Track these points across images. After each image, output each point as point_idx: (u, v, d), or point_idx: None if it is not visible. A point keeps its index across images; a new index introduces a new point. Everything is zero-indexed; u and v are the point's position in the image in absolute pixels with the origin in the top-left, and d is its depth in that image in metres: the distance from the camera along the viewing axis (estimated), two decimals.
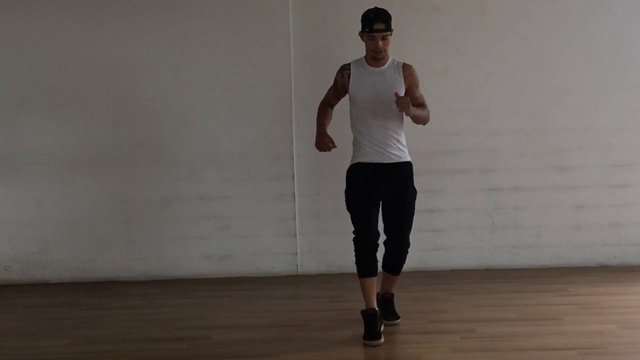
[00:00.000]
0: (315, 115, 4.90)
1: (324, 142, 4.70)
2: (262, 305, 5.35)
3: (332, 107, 4.89)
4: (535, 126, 6.11)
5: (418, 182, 6.00)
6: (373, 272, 4.64)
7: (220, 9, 6.05)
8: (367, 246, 4.64)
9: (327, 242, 6.15)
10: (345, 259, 6.06)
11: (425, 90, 6.00)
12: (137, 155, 6.10)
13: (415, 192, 4.75)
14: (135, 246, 6.15)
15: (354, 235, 4.69)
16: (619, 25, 6.06)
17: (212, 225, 6.14)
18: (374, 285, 4.65)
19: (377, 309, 4.63)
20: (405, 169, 4.71)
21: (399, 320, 4.84)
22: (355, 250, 4.69)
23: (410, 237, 6.10)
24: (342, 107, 5.29)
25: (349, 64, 4.74)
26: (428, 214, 6.13)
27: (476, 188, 6.14)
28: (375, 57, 4.63)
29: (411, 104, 4.63)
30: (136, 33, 6.04)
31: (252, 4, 6.07)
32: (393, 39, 5.98)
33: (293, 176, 6.11)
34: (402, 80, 4.67)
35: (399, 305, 5.01)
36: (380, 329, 4.54)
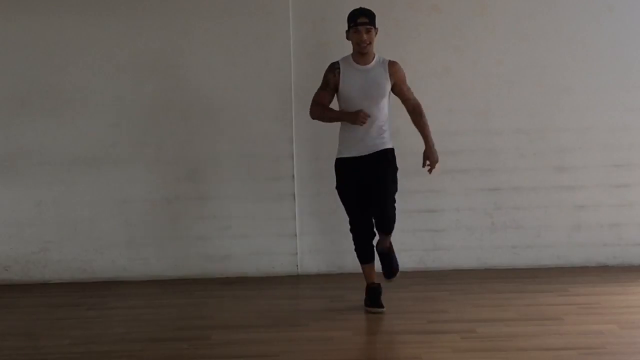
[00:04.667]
0: (311, 116, 5.15)
1: (360, 114, 4.86)
2: (262, 305, 5.35)
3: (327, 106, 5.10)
4: (535, 126, 6.11)
5: (418, 182, 6.05)
6: (371, 259, 5.15)
7: (220, 9, 6.05)
8: (363, 235, 5.07)
9: (327, 242, 6.15)
10: (345, 259, 6.07)
11: (425, 90, 6.04)
12: (137, 155, 6.10)
13: (395, 169, 5.08)
14: (135, 246, 6.15)
15: (350, 226, 5.11)
16: (619, 25, 6.06)
17: (212, 225, 6.14)
18: (374, 268, 5.16)
19: (378, 282, 5.12)
20: (384, 154, 5.01)
21: (398, 274, 5.31)
22: (353, 239, 5.12)
23: (410, 236, 6.16)
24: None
25: (338, 62, 5.03)
26: (428, 214, 6.14)
27: (476, 188, 6.14)
28: (360, 51, 4.95)
29: (401, 97, 5.09)
30: (136, 33, 6.04)
31: (252, 4, 6.07)
32: (393, 39, 6.03)
33: (293, 176, 6.11)
34: (388, 77, 4.98)
35: (397, 306, 5.03)
36: (381, 300, 5.04)
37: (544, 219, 6.16)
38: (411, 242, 6.14)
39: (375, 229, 5.13)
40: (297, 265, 6.18)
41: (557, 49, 6.08)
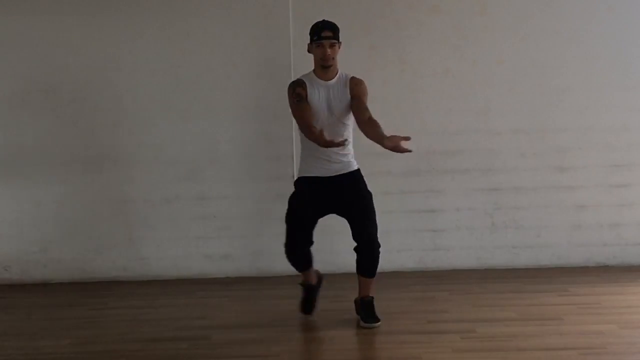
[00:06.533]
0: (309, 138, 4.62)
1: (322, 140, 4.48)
2: (262, 305, 5.35)
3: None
4: (535, 126, 6.11)
5: (418, 182, 6.07)
6: (308, 266, 4.99)
7: (220, 9, 6.05)
8: (296, 254, 4.90)
9: (327, 242, 6.12)
10: (345, 259, 6.04)
11: (425, 90, 6.08)
12: (137, 155, 6.10)
13: (370, 194, 4.80)
14: (135, 246, 6.15)
15: (286, 243, 4.88)
16: (619, 25, 6.06)
17: (212, 225, 6.14)
18: (312, 271, 5.04)
19: (314, 284, 5.04)
20: (352, 176, 4.79)
21: (379, 323, 4.74)
22: (286, 254, 4.91)
23: (410, 236, 6.15)
24: None
25: (301, 79, 4.79)
26: (428, 214, 6.14)
27: (476, 188, 6.14)
28: (323, 64, 4.73)
29: (360, 109, 4.65)
30: (136, 33, 6.04)
31: (252, 4, 6.07)
32: (393, 39, 6.03)
33: (293, 176, 6.10)
34: (348, 92, 4.72)
35: (397, 306, 5.03)
36: (315, 304, 5.01)
37: (544, 219, 6.16)
38: (411, 242, 6.14)
39: (356, 270, 4.87)
40: None
41: (557, 49, 6.08)
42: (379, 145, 6.02)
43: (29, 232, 6.13)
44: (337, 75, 4.78)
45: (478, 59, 6.08)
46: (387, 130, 6.10)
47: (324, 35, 4.71)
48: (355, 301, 4.94)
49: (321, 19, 4.83)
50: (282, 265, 6.15)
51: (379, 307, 4.88)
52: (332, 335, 4.61)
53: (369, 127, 4.54)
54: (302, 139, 4.80)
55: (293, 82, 4.81)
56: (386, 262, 6.08)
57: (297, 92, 4.71)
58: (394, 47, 5.99)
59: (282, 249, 6.11)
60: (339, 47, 4.79)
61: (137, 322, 5.02)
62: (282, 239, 6.11)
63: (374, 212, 4.79)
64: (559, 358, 4.13)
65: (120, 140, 6.09)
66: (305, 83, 4.76)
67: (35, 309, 5.45)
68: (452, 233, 6.17)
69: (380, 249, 4.78)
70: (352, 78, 4.79)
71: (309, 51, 4.84)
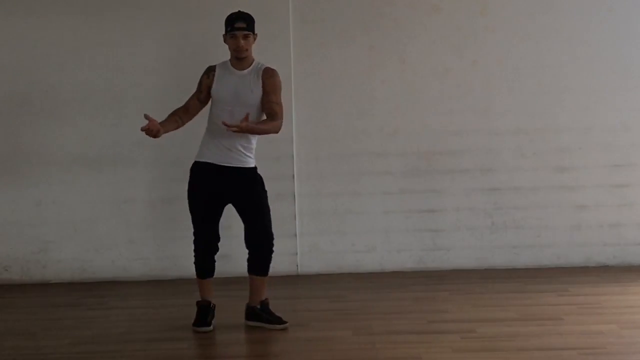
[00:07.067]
0: None
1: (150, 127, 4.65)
2: None
3: (188, 112, 4.82)
4: (535, 126, 6.11)
5: (418, 182, 6.07)
6: (211, 274, 4.92)
7: (221, 9, 6.03)
8: (206, 249, 4.85)
9: (327, 242, 6.14)
10: (345, 259, 6.08)
11: (425, 90, 6.06)
12: (137, 155, 6.10)
13: (265, 192, 4.84)
14: (135, 246, 6.15)
15: (194, 237, 4.85)
16: (619, 25, 6.06)
17: None
18: (211, 283, 4.93)
19: (211, 301, 4.89)
20: (248, 172, 4.77)
21: (287, 323, 4.78)
22: (194, 252, 4.87)
23: (410, 236, 6.14)
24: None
25: (215, 66, 4.79)
26: (428, 214, 6.14)
27: (476, 188, 6.13)
28: (237, 56, 4.70)
29: (264, 107, 4.69)
30: (136, 33, 6.04)
31: (252, 4, 6.04)
32: (393, 39, 6.02)
33: (293, 176, 6.11)
34: (261, 85, 4.69)
35: (397, 306, 5.02)
36: (210, 320, 4.81)
37: (544, 219, 6.15)
38: (411, 242, 6.13)
39: (248, 271, 4.92)
40: (297, 265, 6.18)
41: (557, 49, 6.08)
42: (378, 146, 6.08)
43: (29, 232, 6.13)
44: (252, 65, 4.73)
45: (478, 59, 6.08)
46: (388, 130, 6.15)
47: (237, 26, 4.65)
48: (252, 308, 4.88)
49: (236, 10, 4.77)
50: (282, 265, 6.18)
51: (380, 307, 4.88)
52: (331, 335, 4.60)
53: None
54: (209, 121, 4.81)
55: (207, 67, 4.82)
56: (386, 262, 6.12)
57: (201, 80, 4.79)
58: (394, 47, 5.99)
59: (282, 249, 6.12)
60: (254, 39, 4.73)
61: (137, 322, 5.02)
62: (282, 239, 6.13)
63: (269, 209, 4.83)
64: (559, 358, 4.13)
65: (120, 140, 6.09)
66: (214, 70, 4.76)
67: (35, 309, 5.45)
68: (452, 233, 6.17)
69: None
70: (266, 69, 4.72)
71: (224, 42, 4.78)
